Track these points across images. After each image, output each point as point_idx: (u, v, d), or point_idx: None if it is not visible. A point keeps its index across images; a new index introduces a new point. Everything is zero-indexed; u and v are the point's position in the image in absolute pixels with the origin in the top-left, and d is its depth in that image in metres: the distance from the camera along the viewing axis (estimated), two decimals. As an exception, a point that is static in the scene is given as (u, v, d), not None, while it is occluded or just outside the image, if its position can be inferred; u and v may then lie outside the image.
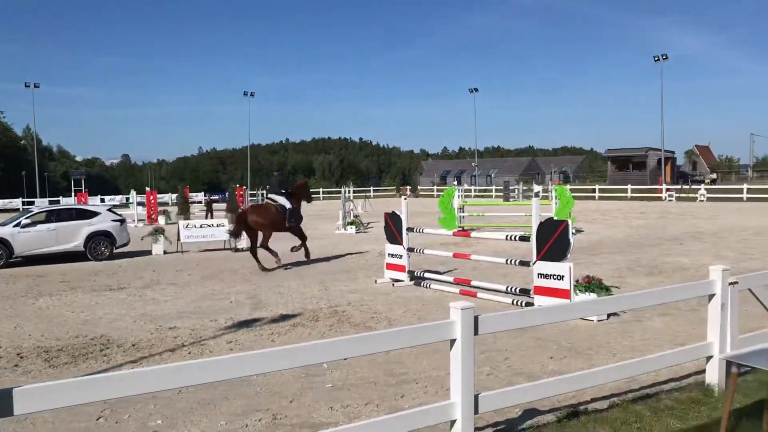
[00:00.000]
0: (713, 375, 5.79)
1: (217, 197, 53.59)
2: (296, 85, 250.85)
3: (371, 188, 74.95)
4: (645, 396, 5.70)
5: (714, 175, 67.28)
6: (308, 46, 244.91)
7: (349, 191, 33.68)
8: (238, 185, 40.62)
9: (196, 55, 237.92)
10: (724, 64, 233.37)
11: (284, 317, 9.54)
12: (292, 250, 15.52)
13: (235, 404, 5.83)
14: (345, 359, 6.81)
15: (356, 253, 17.66)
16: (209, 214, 32.79)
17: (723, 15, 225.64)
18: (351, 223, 24.81)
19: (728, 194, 44.60)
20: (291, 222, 15.33)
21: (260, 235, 15.16)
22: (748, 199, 41.32)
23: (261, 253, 14.99)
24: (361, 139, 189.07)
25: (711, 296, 5.76)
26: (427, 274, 12.06)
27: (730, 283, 5.76)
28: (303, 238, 15.62)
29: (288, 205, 15.30)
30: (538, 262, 9.33)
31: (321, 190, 69.79)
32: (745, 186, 45.09)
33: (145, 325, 9.27)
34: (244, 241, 18.90)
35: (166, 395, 5.94)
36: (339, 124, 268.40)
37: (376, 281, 12.47)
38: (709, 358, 5.81)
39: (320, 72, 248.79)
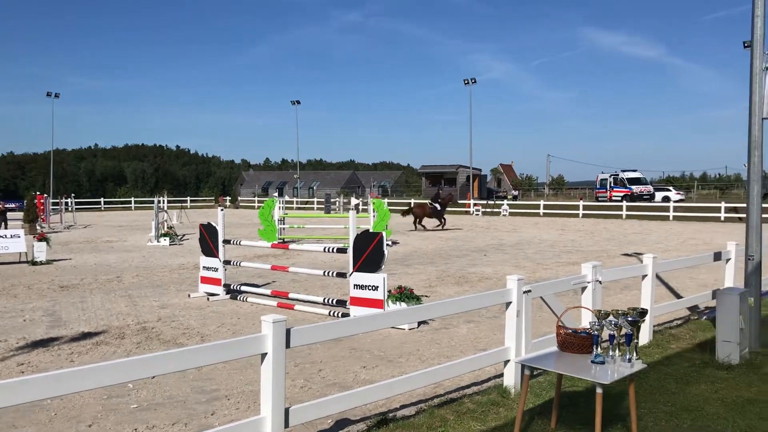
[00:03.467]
0: (510, 378, 6.23)
1: (13, 205, 48.76)
2: (108, 88, 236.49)
3: (188, 198, 72.22)
4: (449, 400, 6.00)
5: (516, 192, 72.94)
6: (120, 47, 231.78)
7: (163, 201, 32.21)
8: (38, 193, 37.23)
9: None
10: (525, 91, 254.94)
11: (86, 335, 8.88)
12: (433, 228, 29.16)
13: (24, 433, 5.32)
14: (152, 378, 6.51)
15: (169, 265, 16.91)
16: (3, 224, 29.83)
17: (525, 46, 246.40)
18: (165, 235, 23.70)
19: (528, 209, 48.56)
20: (435, 211, 29.85)
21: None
22: (545, 214, 45.29)
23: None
24: (178, 146, 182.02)
25: (508, 304, 6.21)
26: (243, 288, 11.83)
27: (525, 292, 6.25)
28: (442, 222, 30.06)
29: (438, 207, 29.91)
30: (354, 273, 9.52)
31: (133, 199, 66.03)
32: (542, 202, 49.37)
33: None
34: (43, 254, 17.44)
35: (-61, 428, 5.28)
36: (154, 130, 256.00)
37: (189, 295, 12.02)
38: (506, 361, 6.25)
39: (134, 76, 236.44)
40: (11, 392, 3.31)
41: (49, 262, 17.63)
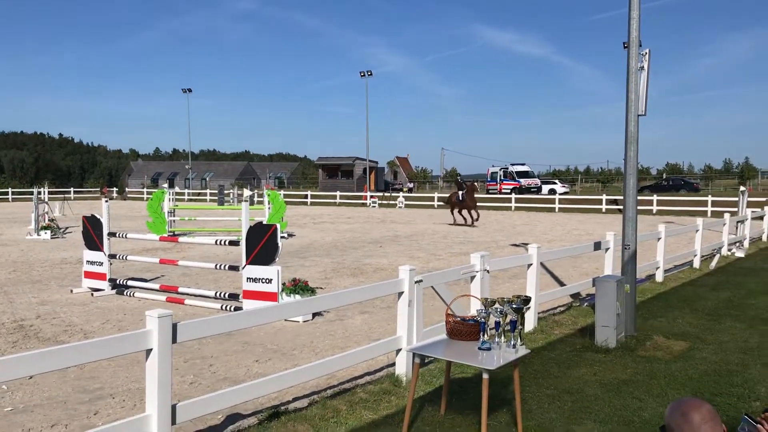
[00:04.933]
0: (402, 366, 6.33)
1: None
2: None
3: (72, 189, 68.59)
4: (343, 391, 6.03)
5: (411, 184, 74.05)
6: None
7: (44, 192, 30.42)
8: None
9: None
10: (420, 85, 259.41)
11: (-45, 336, 8.26)
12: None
13: None
14: (30, 378, 6.16)
15: (50, 260, 16.00)
16: None
17: (419, 42, 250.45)
18: (46, 228, 22.40)
19: (422, 201, 49.49)
20: (458, 202, 28.22)
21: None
22: (438, 207, 46.27)
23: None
24: (61, 135, 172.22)
25: (400, 294, 6.30)
26: (131, 282, 11.37)
27: (416, 282, 6.36)
28: (471, 216, 27.89)
29: (460, 196, 28.00)
30: (247, 266, 9.36)
31: (10, 190, 61.93)
32: (436, 195, 50.45)
33: None
34: None
35: None
36: (34, 117, 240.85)
37: (72, 291, 11.42)
38: (398, 350, 6.34)
39: (12, 58, 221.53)
40: None
41: None
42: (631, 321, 8.10)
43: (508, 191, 53.47)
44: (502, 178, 57.27)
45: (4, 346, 7.76)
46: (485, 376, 4.48)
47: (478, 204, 28.73)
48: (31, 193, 26.38)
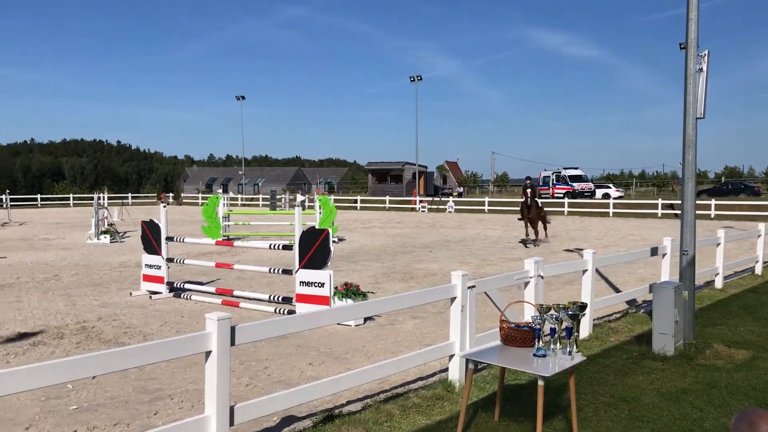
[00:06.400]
0: (455, 372, 6.32)
1: (-58, 202, 46.72)
2: (45, 81, 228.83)
3: (129, 195, 70.52)
4: (395, 395, 6.05)
5: (461, 189, 73.68)
6: (60, 38, 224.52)
7: (103, 197, 31.39)
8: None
9: None
10: (470, 89, 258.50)
11: (23, 336, 8.59)
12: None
13: (-44, 438, 5.13)
14: (93, 378, 6.36)
15: (110, 263, 16.50)
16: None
17: (468, 45, 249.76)
18: (105, 232, 23.11)
19: (473, 206, 49.17)
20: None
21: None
22: (489, 211, 45.92)
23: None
24: (119, 142, 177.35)
25: (453, 299, 6.29)
26: (187, 285, 11.65)
27: (469, 287, 6.34)
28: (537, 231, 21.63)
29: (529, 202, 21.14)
30: (300, 270, 9.48)
31: (71, 196, 64.05)
32: (486, 199, 50.08)
33: None
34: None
35: None
36: (93, 125, 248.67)
37: (131, 294, 11.76)
38: (451, 356, 6.33)
39: (73, 68, 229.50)
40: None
41: (-19, 260, 16.98)
42: (689, 328, 7.90)
43: (561, 196, 52.68)
44: (554, 182, 56.47)
45: (68, 347, 8.04)
46: (540, 383, 4.44)
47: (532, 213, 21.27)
48: (91, 199, 27.25)
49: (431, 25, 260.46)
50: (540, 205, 21.41)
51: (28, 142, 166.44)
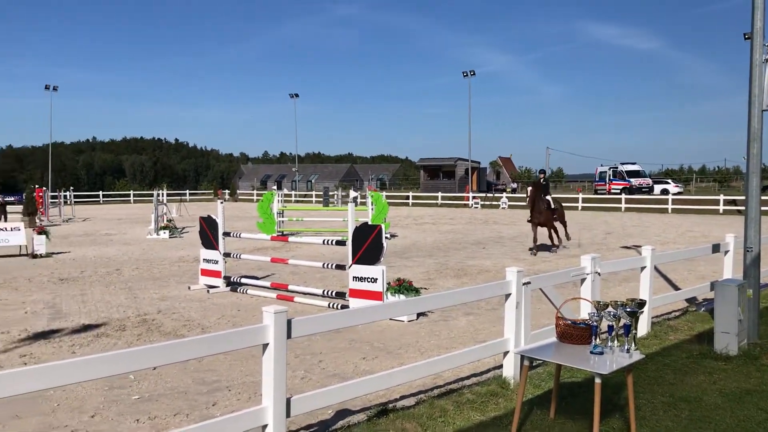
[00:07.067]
0: (509, 368, 6.27)
1: (12, 199, 48.68)
2: (106, 81, 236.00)
3: (187, 191, 72.18)
4: (449, 391, 6.04)
5: (515, 185, 72.89)
6: (120, 40, 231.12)
7: (162, 194, 32.22)
8: (37, 186, 37.22)
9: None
10: (523, 84, 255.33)
11: (87, 327, 8.91)
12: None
13: (28, 423, 5.34)
14: (154, 369, 6.55)
15: (169, 258, 16.93)
16: (2, 217, 29.86)
17: (521, 40, 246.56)
18: (164, 228, 23.73)
19: (526, 202, 48.51)
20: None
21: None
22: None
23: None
24: (177, 140, 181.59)
25: (507, 296, 6.24)
26: (243, 280, 11.86)
27: (524, 284, 6.28)
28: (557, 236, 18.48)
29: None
30: (353, 265, 9.55)
31: (131, 192, 65.97)
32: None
33: None
34: (42, 247, 17.48)
35: (-58, 418, 5.32)
36: (152, 123, 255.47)
37: (189, 288, 12.05)
38: (505, 353, 6.28)
39: (131, 69, 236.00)
40: (14, 382, 3.33)
41: (48, 255, 17.65)
42: (754, 328, 7.64)
43: (618, 191, 51.62)
44: (611, 177, 55.36)
45: (130, 339, 8.29)
46: (597, 380, 4.36)
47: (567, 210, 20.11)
48: (151, 195, 28.04)
49: (484, 20, 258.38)
50: (552, 204, 17.71)
51: (91, 140, 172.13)
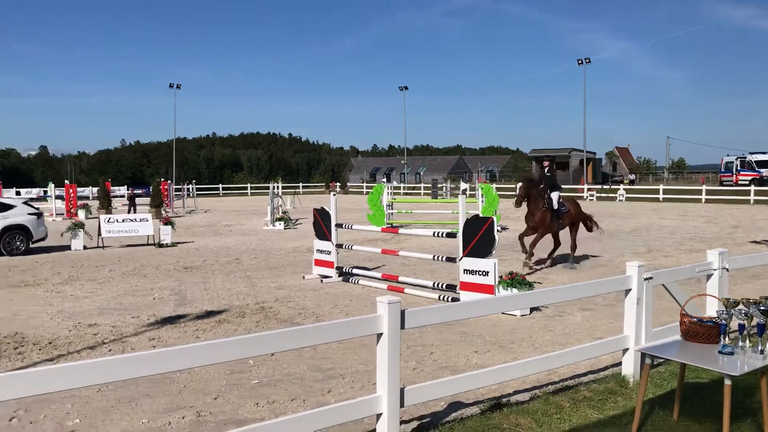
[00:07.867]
0: (629, 366, 6.03)
1: (140, 191, 51.98)
2: (224, 79, 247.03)
3: (300, 184, 74.38)
4: (565, 387, 5.89)
5: (633, 176, 70.01)
6: (236, 39, 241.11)
7: (277, 187, 33.36)
8: (162, 179, 39.56)
9: (117, 46, 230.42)
10: (641, 71, 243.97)
11: (209, 313, 9.38)
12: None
13: (157, 402, 5.70)
14: (272, 355, 6.79)
15: (284, 249, 17.52)
16: (132, 209, 31.90)
17: (639, 25, 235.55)
18: (279, 219, 24.58)
19: (646, 194, 46.51)
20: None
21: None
22: (664, 200, 43.19)
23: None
24: (290, 134, 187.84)
25: (627, 291, 5.99)
26: (355, 270, 12.09)
27: (646, 279, 6.01)
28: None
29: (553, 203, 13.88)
30: (464, 258, 9.49)
31: (249, 185, 68.77)
32: (661, 187, 47.14)
33: (63, 322, 8.93)
34: (168, 237, 18.57)
35: (84, 393, 5.76)
36: (268, 119, 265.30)
37: (304, 277, 12.41)
38: (625, 350, 6.05)
39: (247, 67, 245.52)
40: (147, 363, 3.56)
41: (173, 244, 18.73)
42: None
43: (746, 182, 48.35)
44: (738, 168, 51.92)
45: (249, 325, 8.65)
46: (727, 382, 4.11)
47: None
48: (266, 188, 29.11)
49: (600, 6, 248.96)
50: (555, 204, 13.74)
51: (210, 136, 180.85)
